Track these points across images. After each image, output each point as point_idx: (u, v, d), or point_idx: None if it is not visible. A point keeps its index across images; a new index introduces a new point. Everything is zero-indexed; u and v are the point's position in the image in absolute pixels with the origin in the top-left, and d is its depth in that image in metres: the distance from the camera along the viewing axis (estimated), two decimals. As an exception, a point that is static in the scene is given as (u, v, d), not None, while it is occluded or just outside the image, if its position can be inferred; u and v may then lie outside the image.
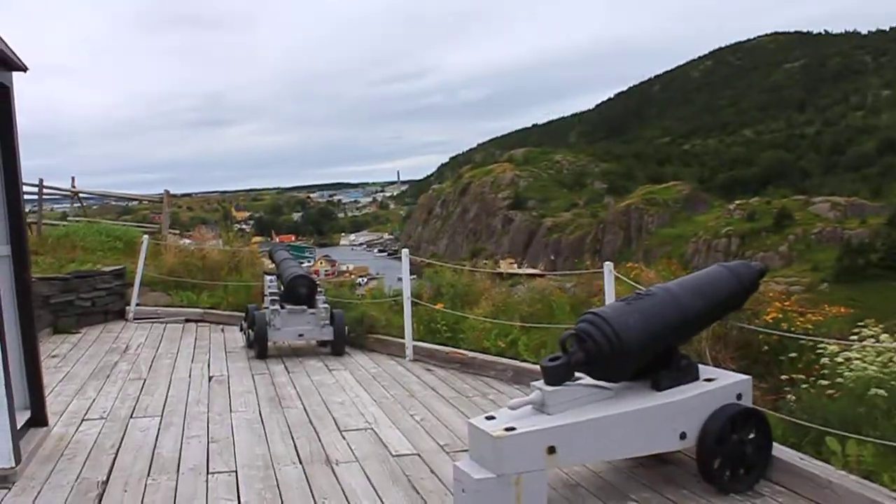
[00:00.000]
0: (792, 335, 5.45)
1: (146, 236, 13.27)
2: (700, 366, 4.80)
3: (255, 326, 8.95)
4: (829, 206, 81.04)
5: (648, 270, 8.91)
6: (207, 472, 5.03)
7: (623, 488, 4.64)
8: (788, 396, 5.04)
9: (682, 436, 4.45)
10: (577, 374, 4.48)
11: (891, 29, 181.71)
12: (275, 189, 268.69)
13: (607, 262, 6.52)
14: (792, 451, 4.69)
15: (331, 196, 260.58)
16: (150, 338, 10.42)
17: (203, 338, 10.43)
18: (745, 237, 79.86)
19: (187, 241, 16.24)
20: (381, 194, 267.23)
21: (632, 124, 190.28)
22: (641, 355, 4.44)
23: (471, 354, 8.03)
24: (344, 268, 56.73)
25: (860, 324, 5.18)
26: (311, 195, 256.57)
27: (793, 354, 5.61)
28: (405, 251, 9.28)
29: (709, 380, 4.68)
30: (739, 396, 4.64)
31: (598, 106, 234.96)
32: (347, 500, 4.55)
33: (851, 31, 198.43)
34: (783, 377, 5.31)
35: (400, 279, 9.10)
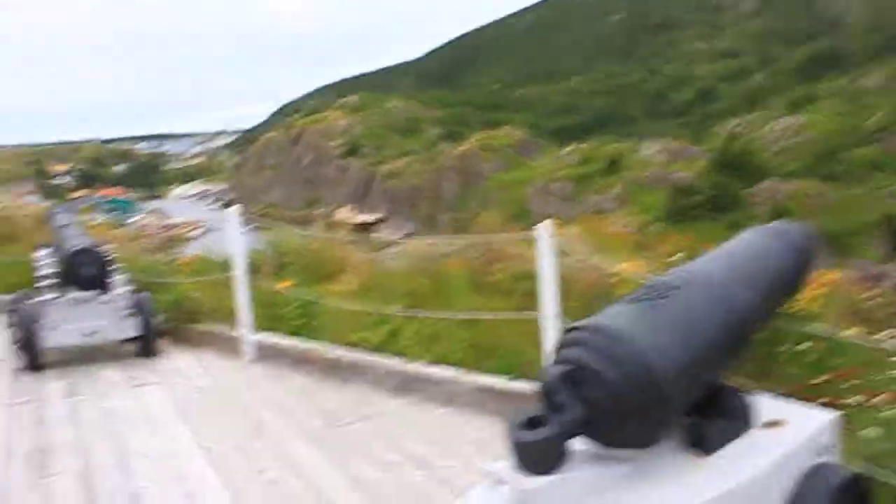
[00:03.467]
0: None
1: None
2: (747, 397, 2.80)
3: (20, 325, 6.33)
4: (658, 150, 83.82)
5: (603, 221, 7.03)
6: None
7: None
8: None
9: None
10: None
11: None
12: (94, 140, 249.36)
13: (543, 224, 4.44)
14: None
15: (156, 147, 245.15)
16: None
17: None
18: (579, 181, 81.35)
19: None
20: (210, 144, 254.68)
21: (464, 72, 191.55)
22: (683, 398, 2.45)
23: (334, 353, 5.77)
24: (174, 221, 52.99)
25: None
26: (135, 146, 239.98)
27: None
28: (233, 209, 6.60)
29: (771, 423, 2.73)
30: (828, 448, 2.73)
31: (428, 54, 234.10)
32: None
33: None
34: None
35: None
